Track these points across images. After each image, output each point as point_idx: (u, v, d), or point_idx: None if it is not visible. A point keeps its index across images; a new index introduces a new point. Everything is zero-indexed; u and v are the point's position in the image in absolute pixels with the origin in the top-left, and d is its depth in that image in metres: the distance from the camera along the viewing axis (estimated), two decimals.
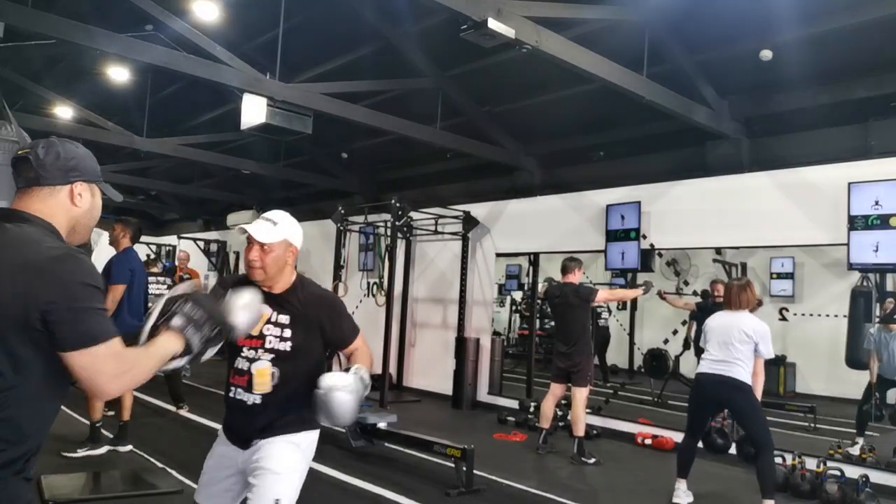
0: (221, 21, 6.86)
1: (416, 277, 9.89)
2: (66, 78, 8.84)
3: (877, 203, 5.56)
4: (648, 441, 6.67)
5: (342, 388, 2.14)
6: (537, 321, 9.28)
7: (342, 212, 9.66)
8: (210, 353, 1.81)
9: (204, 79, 6.04)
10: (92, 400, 5.07)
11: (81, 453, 5.07)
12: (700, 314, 6.43)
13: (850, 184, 5.70)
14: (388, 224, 8.87)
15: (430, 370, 9.44)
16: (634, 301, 8.55)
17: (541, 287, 8.41)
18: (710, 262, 7.61)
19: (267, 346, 2.34)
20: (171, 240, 14.89)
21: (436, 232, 9.40)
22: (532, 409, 7.50)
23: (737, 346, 4.50)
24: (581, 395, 6.01)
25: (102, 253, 5.52)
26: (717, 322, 4.71)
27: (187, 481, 4.48)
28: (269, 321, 2.35)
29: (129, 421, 5.41)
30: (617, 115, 7.24)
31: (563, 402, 6.51)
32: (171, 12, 6.07)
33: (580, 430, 5.96)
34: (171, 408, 7.11)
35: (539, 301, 8.56)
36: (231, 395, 2.37)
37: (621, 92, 5.64)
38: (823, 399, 7.51)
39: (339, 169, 10.96)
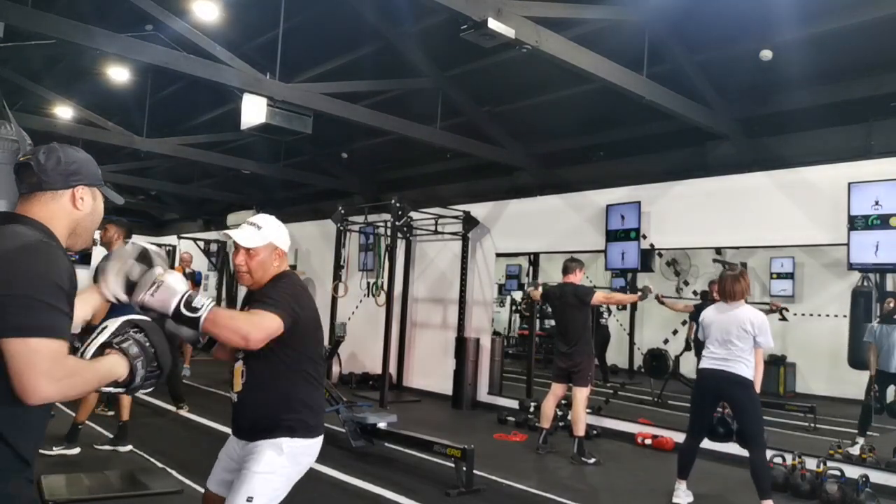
0: (221, 21, 6.86)
1: (416, 277, 9.89)
2: (66, 78, 8.84)
3: (877, 203, 5.56)
4: (648, 441, 6.67)
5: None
6: (537, 321, 9.28)
7: (342, 212, 9.67)
8: (143, 390, 1.76)
9: (204, 79, 6.03)
10: (84, 400, 5.07)
11: (56, 451, 5.05)
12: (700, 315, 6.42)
13: (850, 184, 5.71)
14: (388, 224, 8.87)
15: (430, 370, 9.44)
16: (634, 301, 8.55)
17: (529, 289, 8.39)
18: (710, 262, 7.60)
19: None
20: (171, 240, 14.89)
21: (436, 232, 9.39)
22: (532, 409, 7.50)
23: (737, 343, 4.50)
24: (582, 394, 6.01)
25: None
26: (715, 317, 4.68)
27: (187, 481, 4.48)
28: None
29: (128, 421, 5.41)
30: (617, 115, 7.24)
31: (563, 402, 6.51)
32: (171, 12, 6.07)
33: (580, 430, 5.96)
34: (171, 408, 7.11)
35: (528, 303, 8.52)
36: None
37: (621, 92, 5.64)
38: (823, 399, 7.51)
39: (339, 169, 10.96)
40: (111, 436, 5.46)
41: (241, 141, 9.94)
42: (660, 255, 7.52)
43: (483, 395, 8.69)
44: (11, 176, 1.69)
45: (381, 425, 5.80)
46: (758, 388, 4.54)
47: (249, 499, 2.21)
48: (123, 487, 4.61)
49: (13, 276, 1.41)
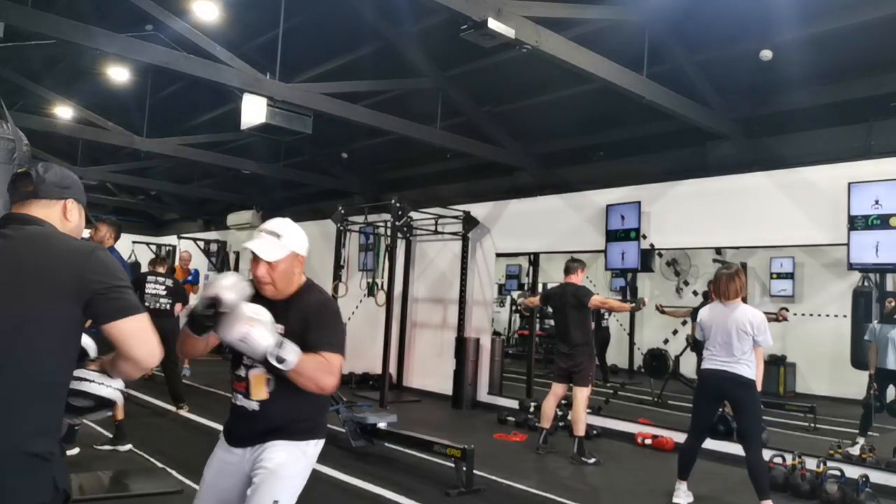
0: (221, 21, 6.86)
1: (416, 277, 9.89)
2: (66, 78, 8.84)
3: (877, 203, 5.57)
4: (648, 441, 6.67)
5: (257, 318, 2.08)
6: (537, 321, 9.28)
7: (342, 212, 9.67)
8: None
9: (204, 79, 6.03)
10: None
11: None
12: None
13: (850, 184, 5.71)
14: (388, 224, 8.87)
15: (430, 370, 9.44)
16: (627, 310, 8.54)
17: (517, 296, 8.35)
18: (710, 262, 7.61)
19: None
20: (171, 240, 14.89)
21: (436, 232, 9.40)
22: (532, 409, 7.50)
23: (737, 345, 4.49)
24: (582, 394, 6.01)
25: None
26: (713, 318, 4.65)
27: (187, 481, 4.49)
28: None
29: (123, 420, 5.42)
30: (617, 115, 7.24)
31: (563, 402, 6.51)
32: (171, 12, 6.07)
33: (581, 430, 5.96)
34: (171, 408, 7.11)
35: (527, 308, 8.49)
36: (234, 400, 2.37)
37: (621, 92, 5.63)
38: (823, 399, 7.52)
39: (339, 169, 10.96)
40: (110, 435, 5.47)
41: (241, 141, 9.94)
42: (660, 255, 7.52)
43: (483, 395, 8.69)
44: (6, 175, 1.81)
45: (381, 425, 5.80)
46: (759, 387, 4.55)
47: (276, 502, 2.17)
48: (123, 487, 4.62)
49: (112, 267, 1.72)
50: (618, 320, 9.83)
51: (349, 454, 5.70)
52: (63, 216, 1.82)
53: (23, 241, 1.69)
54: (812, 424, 6.83)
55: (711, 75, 6.32)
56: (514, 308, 11.09)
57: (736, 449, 5.25)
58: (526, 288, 9.14)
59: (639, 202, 7.30)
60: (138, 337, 1.71)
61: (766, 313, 4.72)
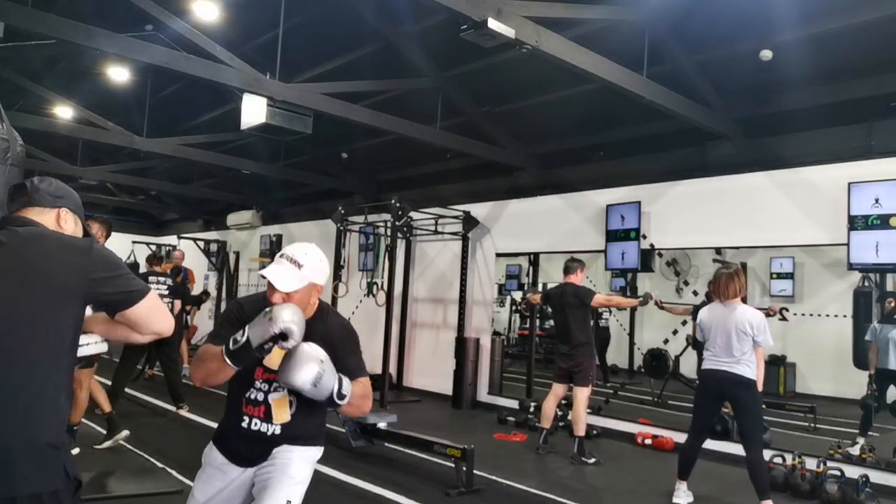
0: (221, 21, 6.87)
1: (416, 277, 9.89)
2: (66, 78, 8.84)
3: (877, 203, 5.57)
4: (648, 441, 6.67)
5: (323, 362, 2.05)
6: (537, 321, 9.28)
7: (342, 212, 9.67)
8: None
9: (204, 79, 6.03)
10: (76, 402, 5.09)
11: None
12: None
13: (850, 184, 5.71)
14: (388, 224, 8.87)
15: (430, 370, 9.44)
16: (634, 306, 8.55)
17: (517, 296, 8.35)
18: (710, 262, 7.60)
19: None
20: (171, 240, 14.88)
21: (436, 232, 9.40)
22: (532, 409, 7.50)
23: (737, 346, 4.49)
24: (583, 394, 6.01)
25: None
26: (713, 318, 4.65)
27: (187, 481, 4.48)
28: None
29: (111, 411, 5.45)
30: (617, 115, 7.24)
31: (563, 402, 6.51)
32: (171, 12, 6.06)
33: (581, 430, 5.96)
34: (171, 408, 7.11)
35: (528, 305, 8.49)
36: (245, 424, 2.27)
37: (621, 92, 5.63)
38: (823, 399, 7.52)
39: (339, 169, 10.96)
40: (104, 432, 5.48)
41: (241, 141, 9.93)
42: (660, 255, 7.52)
43: (483, 395, 8.69)
44: (1, 175, 1.87)
45: (381, 425, 5.80)
46: (760, 388, 4.55)
47: (288, 502, 2.17)
48: (123, 487, 4.62)
49: (112, 257, 1.82)
50: (618, 320, 9.83)
51: (349, 454, 5.70)
52: (57, 223, 1.88)
53: (21, 240, 1.73)
54: (812, 424, 6.83)
55: (711, 75, 6.32)
56: (514, 308, 11.08)
57: (736, 449, 5.25)
58: (526, 287, 9.14)
59: (639, 202, 7.30)
60: (155, 314, 1.86)
61: (759, 308, 4.73)
